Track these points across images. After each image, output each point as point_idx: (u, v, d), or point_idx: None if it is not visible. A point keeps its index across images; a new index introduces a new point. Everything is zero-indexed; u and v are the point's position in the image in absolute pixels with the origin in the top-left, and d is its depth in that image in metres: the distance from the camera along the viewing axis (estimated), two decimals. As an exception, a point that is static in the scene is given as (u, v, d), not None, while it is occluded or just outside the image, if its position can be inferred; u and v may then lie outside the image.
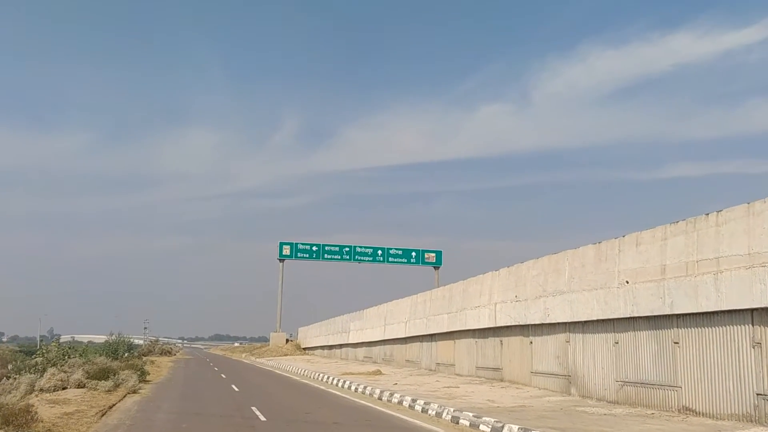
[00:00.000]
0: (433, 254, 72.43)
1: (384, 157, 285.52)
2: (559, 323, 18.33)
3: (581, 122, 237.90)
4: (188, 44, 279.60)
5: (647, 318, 14.66)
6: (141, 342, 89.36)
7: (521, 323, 20.46)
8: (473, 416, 13.60)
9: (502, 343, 22.36)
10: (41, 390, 21.79)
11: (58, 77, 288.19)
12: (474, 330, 24.60)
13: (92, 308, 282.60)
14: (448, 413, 14.71)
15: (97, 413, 15.91)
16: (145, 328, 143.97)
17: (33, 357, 29.88)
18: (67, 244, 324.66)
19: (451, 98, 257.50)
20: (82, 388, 22.15)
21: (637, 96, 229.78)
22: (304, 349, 67.76)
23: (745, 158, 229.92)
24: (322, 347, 59.31)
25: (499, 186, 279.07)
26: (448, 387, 21.32)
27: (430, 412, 15.63)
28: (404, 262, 72.02)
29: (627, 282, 15.22)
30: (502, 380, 22.14)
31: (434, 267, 72.45)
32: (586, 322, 17.06)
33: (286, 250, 69.83)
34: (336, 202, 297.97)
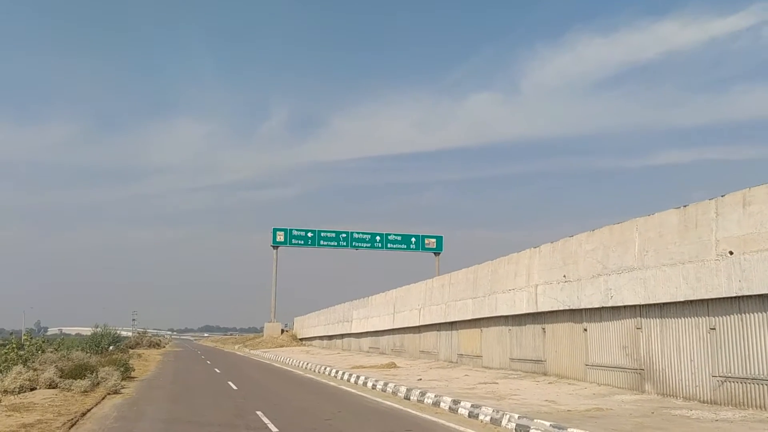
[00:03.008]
0: (434, 240, 69.31)
1: (373, 147, 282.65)
2: (626, 306, 15.20)
3: (570, 110, 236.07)
4: (175, 34, 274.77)
5: (763, 297, 11.56)
6: (129, 334, 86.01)
7: (572, 307, 17.34)
8: (551, 426, 10.44)
9: (544, 331, 19.24)
10: (5, 391, 18.54)
11: (43, 68, 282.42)
12: (507, 317, 21.47)
13: (80, 300, 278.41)
14: (510, 420, 11.55)
15: (64, 424, 12.64)
16: (134, 319, 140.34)
17: (3, 352, 26.46)
18: (54, 236, 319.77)
19: (440, 87, 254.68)
20: (54, 388, 19.02)
21: (626, 84, 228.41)
22: (301, 339, 64.60)
23: (731, 144, 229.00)
24: (321, 338, 56.11)
25: (489, 175, 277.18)
26: (484, 383, 18.21)
27: (482, 417, 12.48)
28: (403, 249, 68.91)
29: (731, 253, 12.09)
30: (545, 374, 19.05)
31: (434, 253, 69.37)
32: (666, 304, 13.94)
33: (280, 237, 66.45)
34: (325, 193, 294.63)
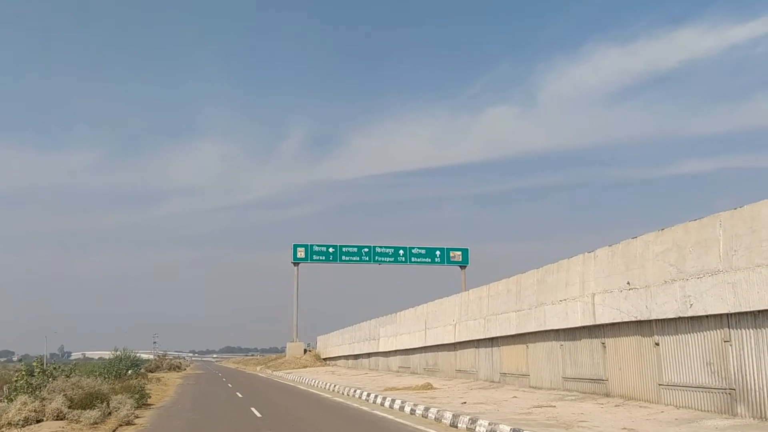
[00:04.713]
0: (459, 252, 67.09)
1: (392, 163, 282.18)
2: (710, 316, 13.09)
3: (588, 122, 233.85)
4: (193, 56, 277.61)
5: None
6: (150, 357, 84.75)
7: (639, 318, 15.23)
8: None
9: (604, 346, 17.12)
10: (9, 424, 16.86)
11: (63, 93, 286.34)
12: (558, 330, 19.37)
13: (103, 324, 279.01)
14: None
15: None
16: (155, 342, 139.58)
17: (13, 380, 24.79)
18: (76, 260, 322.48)
19: (457, 102, 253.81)
20: (61, 419, 17.30)
21: (645, 93, 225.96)
22: (325, 359, 62.56)
23: (753, 152, 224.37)
24: (346, 357, 54.02)
25: (509, 188, 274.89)
26: (539, 406, 16.12)
27: (554, 451, 10.45)
28: (428, 262, 66.76)
29: None
30: (607, 395, 16.89)
31: (460, 266, 67.17)
32: (763, 311, 11.83)
33: (301, 253, 64.63)
34: (344, 210, 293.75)
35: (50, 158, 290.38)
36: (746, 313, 12.20)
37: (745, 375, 12.31)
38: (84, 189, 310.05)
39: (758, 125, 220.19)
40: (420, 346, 33.53)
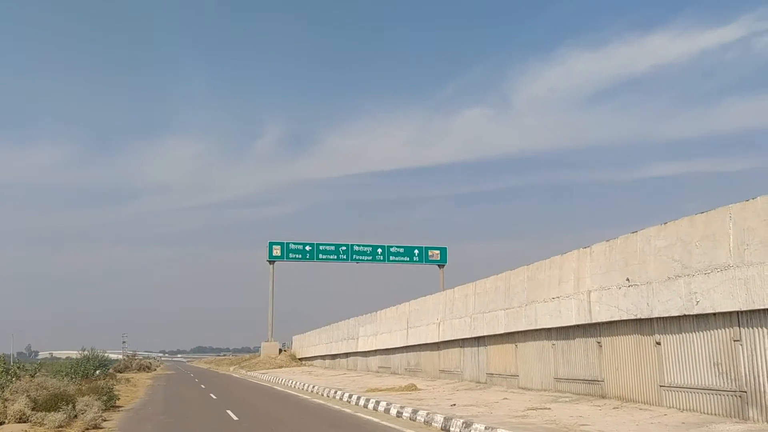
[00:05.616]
0: (438, 251, 66.58)
1: (368, 163, 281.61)
2: (718, 314, 12.43)
3: (561, 125, 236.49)
4: (167, 52, 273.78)
5: None
6: (119, 357, 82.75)
7: (639, 316, 14.55)
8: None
9: (600, 345, 16.43)
10: (-32, 428, 15.66)
11: (33, 87, 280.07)
12: (550, 329, 18.65)
13: (72, 323, 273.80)
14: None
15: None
16: (124, 342, 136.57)
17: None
18: (45, 258, 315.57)
19: (433, 104, 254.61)
20: (24, 422, 16.15)
21: (617, 97, 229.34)
22: (300, 359, 61.42)
23: (723, 156, 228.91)
24: (323, 357, 52.95)
25: (484, 189, 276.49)
26: (533, 408, 15.36)
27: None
28: (406, 261, 66.15)
29: None
30: (603, 396, 16.20)
31: (439, 265, 66.73)
32: (778, 308, 11.19)
33: (277, 251, 63.49)
34: (320, 210, 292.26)
35: (20, 154, 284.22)
36: (759, 311, 11.54)
37: (758, 377, 11.65)
38: (54, 186, 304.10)
39: (728, 129, 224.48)
40: (401, 345, 32.66)
